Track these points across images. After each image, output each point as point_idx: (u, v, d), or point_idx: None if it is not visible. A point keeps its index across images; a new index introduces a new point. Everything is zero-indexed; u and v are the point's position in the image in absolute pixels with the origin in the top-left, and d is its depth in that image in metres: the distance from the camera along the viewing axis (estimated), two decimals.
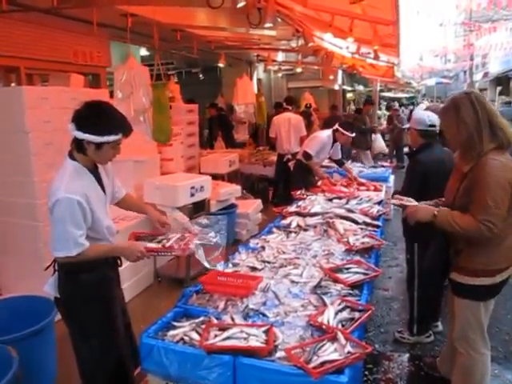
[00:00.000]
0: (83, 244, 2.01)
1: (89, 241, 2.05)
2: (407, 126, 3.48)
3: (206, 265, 2.19)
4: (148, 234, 2.48)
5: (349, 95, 20.79)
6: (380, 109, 16.27)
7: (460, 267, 2.32)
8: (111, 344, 2.22)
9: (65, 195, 1.95)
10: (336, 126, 5.19)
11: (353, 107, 17.67)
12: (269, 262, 2.70)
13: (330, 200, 4.05)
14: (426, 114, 3.15)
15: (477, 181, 2.14)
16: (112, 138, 2.01)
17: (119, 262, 2.32)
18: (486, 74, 19.47)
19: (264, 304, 2.18)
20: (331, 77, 13.21)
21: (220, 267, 2.21)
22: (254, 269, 2.62)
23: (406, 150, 10.18)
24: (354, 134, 5.25)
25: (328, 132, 5.31)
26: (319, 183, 4.89)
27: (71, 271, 2.10)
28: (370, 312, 2.09)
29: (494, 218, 2.08)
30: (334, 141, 5.26)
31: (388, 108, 13.13)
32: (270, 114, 9.55)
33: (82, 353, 2.21)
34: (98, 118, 2.02)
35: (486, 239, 2.15)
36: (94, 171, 2.16)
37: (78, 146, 2.05)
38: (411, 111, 9.63)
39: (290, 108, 7.53)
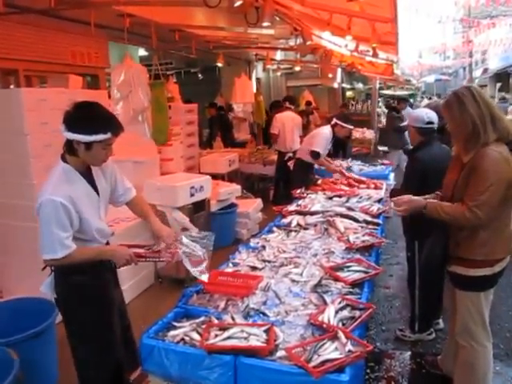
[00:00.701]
0: (69, 246, 1.99)
1: (76, 242, 2.03)
2: (405, 123, 3.47)
3: (192, 273, 2.21)
4: (134, 245, 2.44)
5: (348, 93, 20.79)
6: (379, 107, 16.26)
7: (460, 259, 2.33)
8: (106, 346, 2.21)
9: (48, 197, 1.94)
10: (334, 121, 5.16)
11: (352, 105, 17.63)
12: (269, 262, 2.70)
13: (330, 198, 4.04)
14: (424, 112, 3.14)
15: (475, 168, 2.17)
16: (100, 136, 1.98)
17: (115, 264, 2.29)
18: (485, 71, 19.46)
19: (264, 303, 2.18)
20: (330, 75, 13.23)
21: (204, 279, 2.23)
22: (254, 268, 2.62)
23: None
24: (352, 127, 5.27)
25: (328, 128, 5.28)
26: (319, 181, 4.88)
27: (66, 272, 2.09)
28: (370, 310, 2.09)
29: (483, 206, 2.12)
30: (333, 136, 5.25)
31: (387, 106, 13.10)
32: (269, 114, 9.52)
33: (78, 353, 2.21)
34: (86, 117, 2.01)
35: (472, 227, 2.20)
36: (86, 173, 2.13)
37: (69, 147, 2.04)
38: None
39: (292, 107, 7.52)
